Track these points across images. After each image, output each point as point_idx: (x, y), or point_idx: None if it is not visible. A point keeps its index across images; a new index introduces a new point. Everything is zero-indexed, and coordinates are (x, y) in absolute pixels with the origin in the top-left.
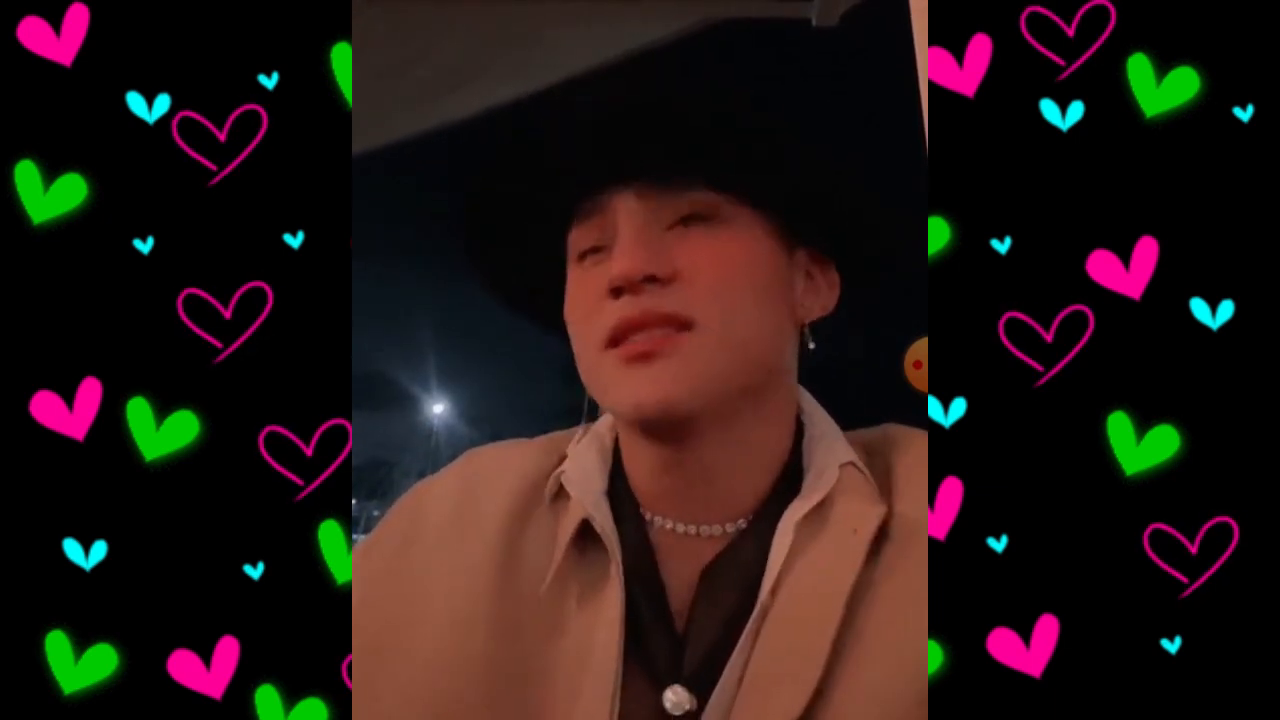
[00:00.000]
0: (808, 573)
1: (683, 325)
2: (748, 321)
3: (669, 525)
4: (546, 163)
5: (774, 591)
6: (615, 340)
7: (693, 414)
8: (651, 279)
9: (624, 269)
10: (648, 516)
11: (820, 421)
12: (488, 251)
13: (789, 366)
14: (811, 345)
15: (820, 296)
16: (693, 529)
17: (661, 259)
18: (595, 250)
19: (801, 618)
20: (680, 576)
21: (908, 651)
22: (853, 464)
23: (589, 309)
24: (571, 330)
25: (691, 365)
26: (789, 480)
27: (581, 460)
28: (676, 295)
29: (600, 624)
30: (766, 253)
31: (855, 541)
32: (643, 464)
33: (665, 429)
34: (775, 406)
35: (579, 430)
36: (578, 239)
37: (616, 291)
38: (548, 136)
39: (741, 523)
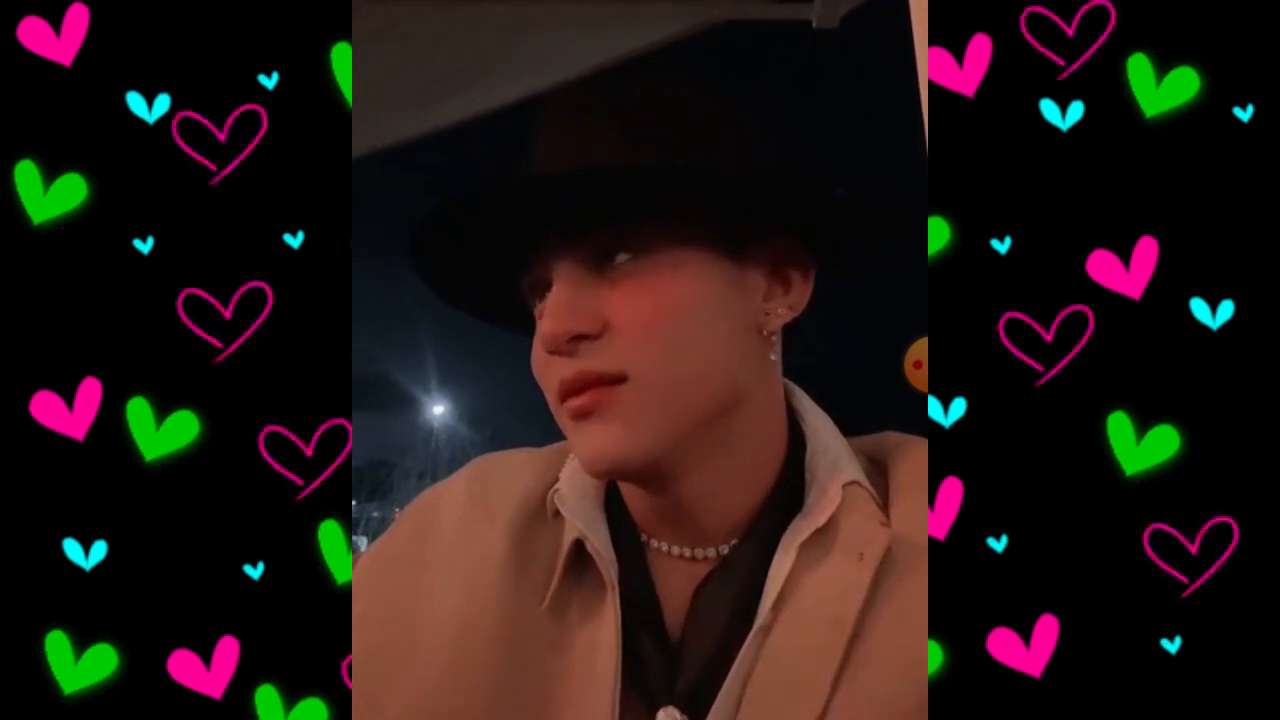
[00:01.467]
0: (812, 595)
1: (616, 380)
2: (689, 359)
3: (664, 547)
4: (486, 218)
5: (775, 611)
6: (562, 397)
7: (649, 463)
8: (582, 337)
9: (550, 331)
10: (644, 538)
11: (824, 433)
12: (443, 289)
13: (761, 380)
14: (774, 357)
15: (790, 296)
16: (687, 551)
17: (589, 315)
18: (542, 299)
19: (806, 640)
20: (677, 597)
21: (910, 671)
22: (857, 483)
23: (542, 364)
24: (538, 381)
25: (630, 420)
26: (786, 494)
27: (575, 480)
28: (608, 350)
29: (598, 644)
30: (707, 277)
31: (861, 567)
32: (631, 493)
33: (629, 478)
34: (754, 423)
35: None
36: (528, 287)
37: (551, 352)
38: (480, 196)
39: (734, 541)
